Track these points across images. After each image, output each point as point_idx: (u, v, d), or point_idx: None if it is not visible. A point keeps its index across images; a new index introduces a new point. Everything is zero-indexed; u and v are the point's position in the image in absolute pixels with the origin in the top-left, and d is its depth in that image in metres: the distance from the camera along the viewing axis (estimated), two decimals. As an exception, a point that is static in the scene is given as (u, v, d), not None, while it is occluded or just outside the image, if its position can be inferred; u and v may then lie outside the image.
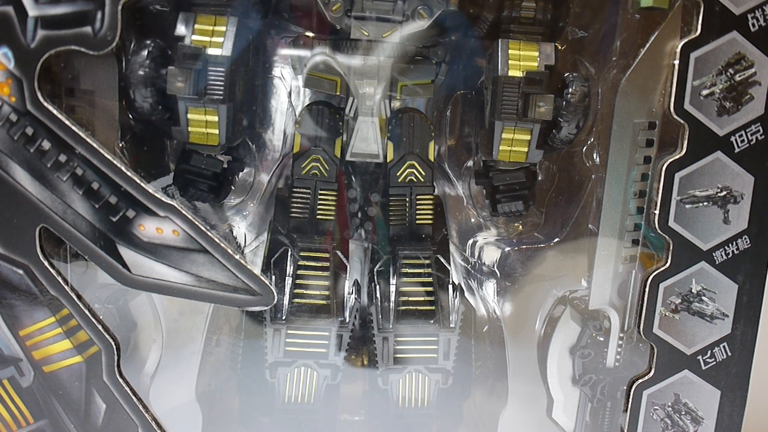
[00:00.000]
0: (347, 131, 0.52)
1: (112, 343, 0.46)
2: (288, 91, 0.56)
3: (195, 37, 0.47)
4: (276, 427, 0.52)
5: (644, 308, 0.50)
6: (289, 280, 0.51)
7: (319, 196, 0.53)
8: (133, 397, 0.46)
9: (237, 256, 0.46)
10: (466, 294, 0.55)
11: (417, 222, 0.54)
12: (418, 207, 0.54)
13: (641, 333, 0.50)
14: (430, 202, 0.54)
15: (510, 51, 0.50)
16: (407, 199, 0.54)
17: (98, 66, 0.46)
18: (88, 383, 0.46)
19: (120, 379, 0.46)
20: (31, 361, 0.46)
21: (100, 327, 0.45)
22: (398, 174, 0.53)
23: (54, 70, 0.45)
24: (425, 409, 0.52)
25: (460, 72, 0.54)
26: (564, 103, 0.49)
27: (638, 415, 0.51)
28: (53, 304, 0.45)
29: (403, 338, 0.51)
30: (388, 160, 0.53)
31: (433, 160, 0.54)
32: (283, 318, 0.50)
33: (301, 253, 0.51)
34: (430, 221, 0.54)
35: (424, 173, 0.54)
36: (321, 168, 0.53)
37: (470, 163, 0.56)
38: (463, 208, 0.57)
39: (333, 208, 0.53)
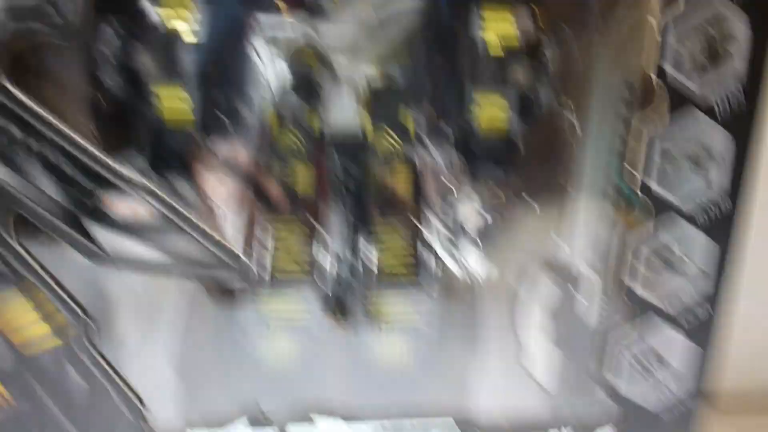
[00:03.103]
0: (324, 104, 0.51)
1: (90, 323, 0.46)
2: (262, 65, 0.55)
3: (162, 12, 0.46)
4: (258, 391, 0.52)
5: (624, 269, 0.50)
6: (270, 250, 0.51)
7: (298, 170, 0.52)
8: (113, 374, 0.47)
9: (214, 234, 0.46)
10: (446, 259, 0.54)
11: (397, 191, 0.53)
12: (397, 176, 0.53)
13: (621, 293, 0.50)
14: (409, 171, 0.54)
15: (486, 13, 0.49)
16: (386, 170, 0.53)
17: (66, 49, 0.45)
18: (68, 364, 0.46)
19: (99, 358, 0.47)
20: (9, 345, 0.46)
21: (77, 308, 0.46)
22: (376, 144, 0.53)
23: (22, 55, 0.44)
24: (403, 367, 0.53)
25: (436, 37, 0.53)
26: (541, 67, 0.48)
27: (612, 366, 0.51)
28: (29, 287, 0.45)
29: (384, 303, 0.51)
30: (366, 131, 0.52)
31: (411, 129, 0.54)
32: (264, 286, 0.49)
33: (282, 224, 0.51)
34: (409, 190, 0.54)
35: (402, 143, 0.53)
36: (298, 142, 0.52)
37: (450, 130, 0.55)
38: (443, 176, 0.57)
39: (312, 180, 0.53)
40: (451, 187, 0.55)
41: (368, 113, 0.53)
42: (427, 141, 0.56)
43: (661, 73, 0.46)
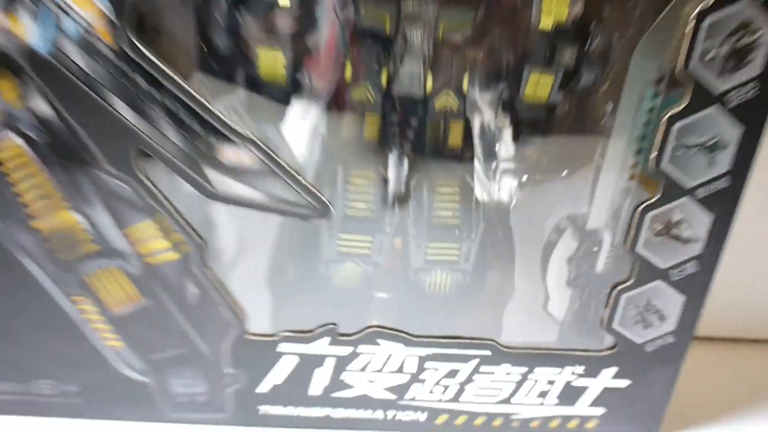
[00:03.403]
0: (394, 65, 0.59)
1: (200, 242, 0.58)
2: (341, 26, 0.61)
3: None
4: (326, 304, 0.65)
5: (632, 230, 0.60)
6: (341, 193, 0.61)
7: (367, 120, 0.61)
8: (218, 284, 0.59)
9: (301, 179, 0.56)
10: (487, 205, 0.65)
11: (449, 145, 0.62)
12: (450, 132, 0.62)
13: (627, 249, 0.61)
14: (461, 127, 0.62)
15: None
16: (441, 125, 0.62)
17: (183, 12, 0.52)
18: (184, 273, 0.58)
19: (207, 270, 0.58)
20: (138, 255, 0.57)
21: (192, 231, 0.57)
22: (435, 103, 0.61)
23: (144, 16, 0.51)
24: (445, 296, 0.65)
25: (498, 12, 0.59)
26: (587, 53, 0.56)
27: (616, 311, 0.64)
28: (155, 213, 0.56)
29: (433, 244, 0.62)
30: (427, 92, 0.60)
31: (466, 90, 0.61)
32: (337, 224, 0.60)
33: (352, 171, 0.61)
34: (459, 143, 0.63)
35: (457, 103, 0.61)
36: (369, 95, 0.60)
37: (500, 95, 0.63)
38: (489, 134, 0.65)
39: (378, 130, 0.62)
40: (496, 144, 0.64)
41: (432, 73, 0.61)
42: (480, 102, 0.65)
43: (689, 72, 0.54)
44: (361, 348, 0.64)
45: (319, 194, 0.57)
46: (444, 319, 0.64)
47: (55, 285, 0.59)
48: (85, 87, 0.51)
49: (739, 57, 0.54)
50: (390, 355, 0.65)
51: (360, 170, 0.61)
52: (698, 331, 0.65)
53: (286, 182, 0.56)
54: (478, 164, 0.64)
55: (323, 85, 0.60)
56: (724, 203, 0.59)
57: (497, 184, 0.64)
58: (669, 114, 0.55)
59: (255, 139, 0.54)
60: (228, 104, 0.57)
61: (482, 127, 0.64)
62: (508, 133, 0.63)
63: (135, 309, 0.59)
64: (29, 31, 0.49)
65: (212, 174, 0.55)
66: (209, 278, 0.59)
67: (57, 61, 0.50)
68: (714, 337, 0.88)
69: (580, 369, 0.67)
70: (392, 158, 0.63)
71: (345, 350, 0.64)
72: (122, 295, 0.59)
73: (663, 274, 0.62)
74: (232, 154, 0.54)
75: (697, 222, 0.60)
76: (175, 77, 0.52)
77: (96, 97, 0.51)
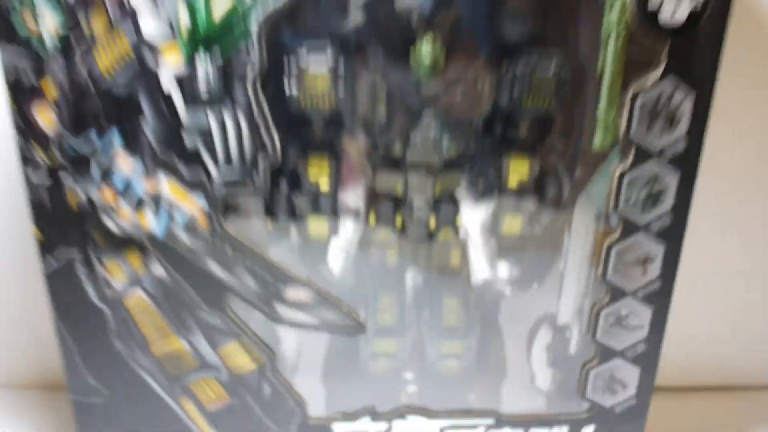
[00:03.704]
0: (405, 213, 0.80)
1: (271, 354, 0.79)
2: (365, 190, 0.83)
3: (310, 170, 0.74)
4: (366, 390, 0.85)
5: (592, 323, 0.80)
6: (372, 309, 0.81)
7: (388, 254, 0.82)
8: (285, 382, 0.79)
9: (345, 309, 0.77)
10: (482, 309, 0.85)
11: (451, 267, 0.83)
12: (451, 257, 0.83)
13: (591, 337, 0.80)
14: (459, 252, 0.83)
15: (511, 165, 0.76)
16: (444, 253, 0.82)
17: (256, 198, 0.74)
18: (261, 378, 0.78)
19: (276, 373, 0.79)
20: (226, 368, 0.78)
21: (266, 348, 0.77)
22: (438, 237, 0.82)
23: (228, 205, 0.73)
24: (456, 378, 0.85)
25: (479, 174, 0.80)
26: (545, 199, 0.76)
27: (587, 383, 0.83)
28: (238, 334, 0.77)
29: (443, 342, 0.82)
30: (431, 230, 0.81)
31: (460, 224, 0.82)
32: (371, 333, 0.81)
33: (379, 292, 0.81)
34: (459, 265, 0.83)
35: (454, 235, 0.82)
36: (388, 236, 0.81)
37: (484, 227, 0.84)
38: (480, 255, 0.86)
39: (397, 260, 0.82)
40: (486, 263, 0.85)
41: (434, 216, 0.81)
42: (471, 234, 0.86)
43: (618, 212, 0.74)
44: (394, 423, 0.84)
45: (356, 316, 0.77)
46: (456, 396, 0.84)
47: (165, 391, 0.80)
48: (189, 256, 0.73)
49: (654, 198, 0.74)
50: (417, 428, 0.85)
51: (385, 291, 0.82)
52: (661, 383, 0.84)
53: (333, 310, 0.76)
54: (473, 278, 0.84)
55: (354, 231, 0.81)
56: (659, 299, 0.79)
57: (488, 292, 0.84)
58: (608, 239, 0.76)
59: (308, 280, 0.75)
60: (288, 252, 0.79)
61: (474, 252, 0.85)
62: (494, 255, 0.84)
63: (224, 406, 0.80)
64: (151, 222, 0.71)
65: (279, 307, 0.76)
66: (278, 379, 0.79)
67: (169, 241, 0.72)
68: (676, 387, 1.07)
69: (565, 429, 0.86)
70: (409, 279, 0.84)
71: (382, 426, 0.84)
72: (215, 397, 0.79)
73: (620, 354, 0.81)
74: (293, 292, 0.76)
75: (641, 314, 0.79)
76: (250, 244, 0.74)
77: (196, 262, 0.73)
